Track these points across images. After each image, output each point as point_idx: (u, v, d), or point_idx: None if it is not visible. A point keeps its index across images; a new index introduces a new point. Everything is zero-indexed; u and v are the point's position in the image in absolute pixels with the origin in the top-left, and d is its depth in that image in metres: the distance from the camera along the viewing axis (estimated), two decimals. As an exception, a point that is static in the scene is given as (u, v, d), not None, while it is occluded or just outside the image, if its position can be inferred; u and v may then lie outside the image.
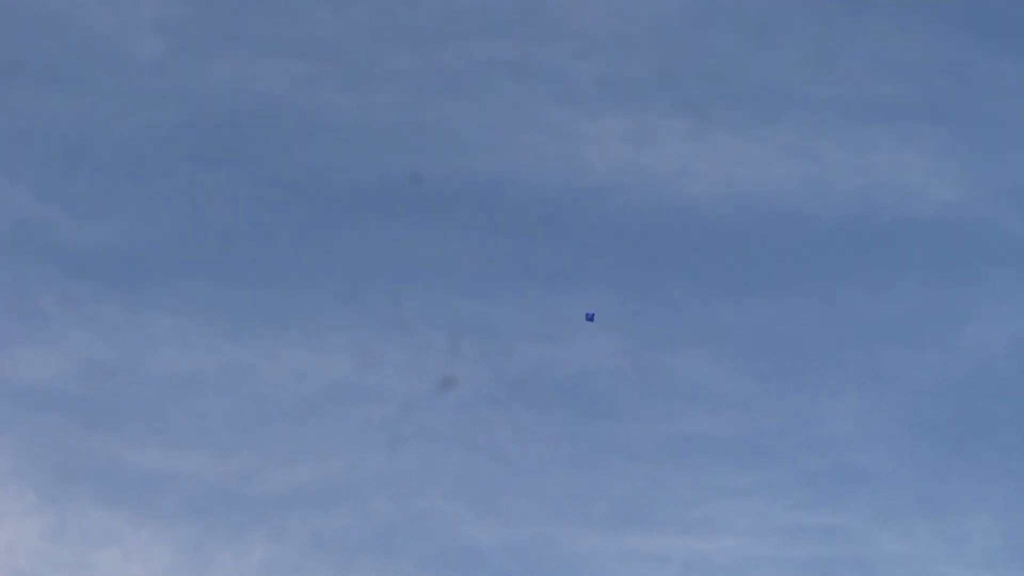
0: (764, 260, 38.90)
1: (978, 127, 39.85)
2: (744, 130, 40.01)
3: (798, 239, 38.98)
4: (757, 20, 40.96)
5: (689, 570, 33.82)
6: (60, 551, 33.38)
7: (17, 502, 33.99)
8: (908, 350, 37.38)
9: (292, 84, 40.00)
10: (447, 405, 35.36)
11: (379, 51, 40.34)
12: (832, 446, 36.01)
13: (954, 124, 39.81)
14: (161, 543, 33.70)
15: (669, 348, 37.39)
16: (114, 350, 36.53)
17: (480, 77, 40.23)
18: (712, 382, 36.94)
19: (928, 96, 40.19)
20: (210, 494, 34.29)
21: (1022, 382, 36.86)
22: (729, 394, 36.85)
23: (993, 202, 39.07)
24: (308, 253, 37.92)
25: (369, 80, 40.05)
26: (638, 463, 35.43)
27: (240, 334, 36.96)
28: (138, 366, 36.29)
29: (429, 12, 40.95)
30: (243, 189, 38.82)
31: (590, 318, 33.02)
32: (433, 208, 38.74)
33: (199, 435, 35.22)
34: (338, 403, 35.98)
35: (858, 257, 38.77)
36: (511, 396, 36.00)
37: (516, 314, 37.35)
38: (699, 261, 38.70)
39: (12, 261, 37.24)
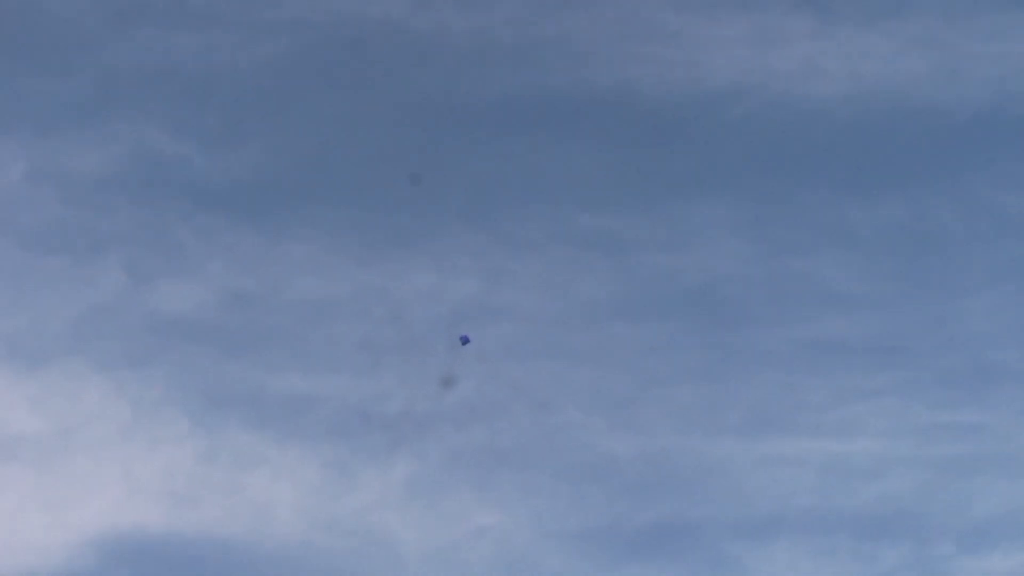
0: (895, 158, 38.19)
1: None
2: (869, 23, 39.03)
3: (930, 134, 38.10)
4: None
5: (826, 472, 33.65)
6: (213, 473, 34.19)
7: (170, 428, 34.86)
8: None
9: (410, 7, 39.76)
10: (578, 320, 35.46)
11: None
12: (972, 344, 35.62)
13: None
14: (307, 463, 34.27)
15: (799, 252, 37.00)
16: (251, 280, 37.07)
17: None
18: (845, 284, 36.52)
19: None
20: (352, 416, 34.78)
21: None
22: (863, 296, 36.49)
23: None
24: (433, 175, 37.81)
25: (485, -1, 39.87)
26: (771, 369, 35.40)
27: (371, 259, 37.15)
28: (275, 294, 36.80)
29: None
30: (366, 114, 38.79)
31: (465, 341, 32.88)
32: (555, 124, 38.36)
33: (337, 358, 35.57)
34: (468, 322, 35.91)
35: (994, 149, 37.87)
36: (640, 308, 36.00)
37: (642, 225, 37.18)
38: (827, 162, 38.11)
39: (149, 197, 37.77)
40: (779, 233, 37.01)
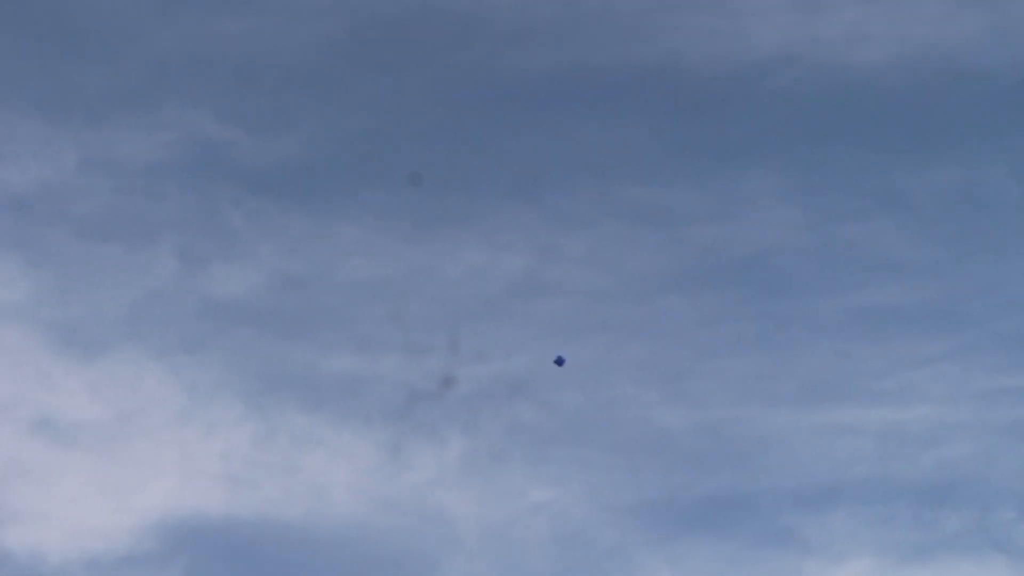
0: (945, 122, 37.58)
1: None
2: None
3: (981, 97, 37.38)
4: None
5: (884, 440, 33.44)
6: (269, 455, 34.26)
7: (226, 412, 34.98)
8: None
9: (451, -14, 39.74)
10: (628, 294, 35.36)
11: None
12: None
13: None
14: (362, 443, 34.33)
15: (850, 219, 36.58)
16: (302, 262, 36.98)
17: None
18: (897, 251, 36.18)
19: None
20: (405, 394, 34.48)
21: None
22: (915, 262, 36.12)
23: None
24: (479, 152, 37.72)
25: (528, -27, 39.57)
26: (825, 337, 35.11)
27: (420, 238, 37.05)
28: (326, 276, 36.70)
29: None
30: (411, 95, 38.65)
31: (560, 363, 32.14)
32: (600, 98, 37.99)
33: (390, 338, 35.37)
34: (520, 298, 36.09)
35: None
36: (692, 280, 35.79)
37: (691, 197, 36.88)
38: (876, 128, 37.55)
39: (199, 183, 37.74)
40: (830, 201, 36.62)
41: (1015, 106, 37.18)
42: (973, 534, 32.16)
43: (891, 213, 36.57)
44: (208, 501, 33.48)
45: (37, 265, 36.16)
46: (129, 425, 34.82)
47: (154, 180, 37.80)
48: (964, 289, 35.39)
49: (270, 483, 33.77)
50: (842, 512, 32.50)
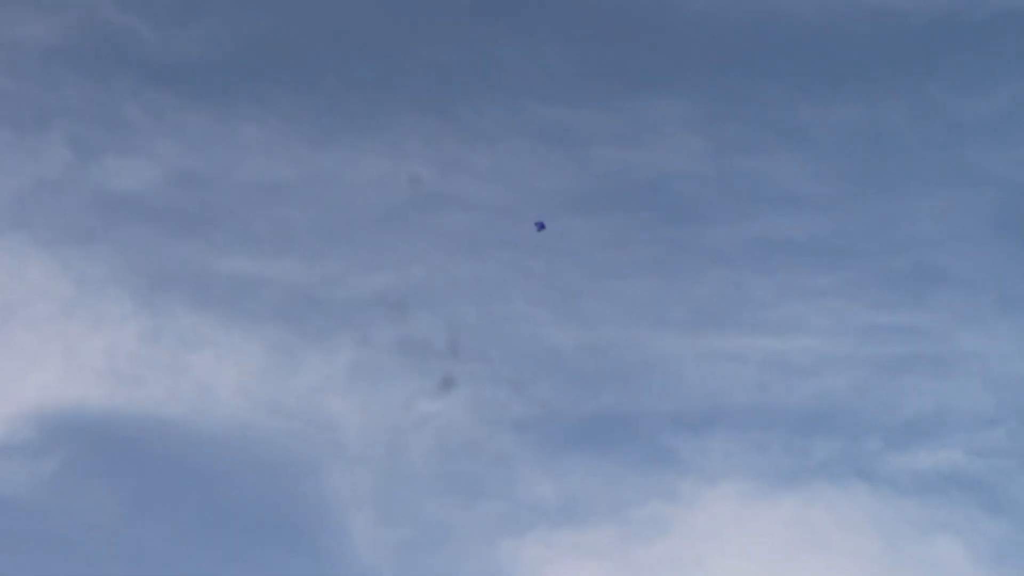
0: (850, 60, 37.81)
1: None
2: None
3: (886, 37, 37.65)
4: None
5: (766, 369, 34.24)
6: (157, 353, 34.34)
7: (114, 307, 34.84)
8: (998, 148, 36.41)
9: None
10: (530, 210, 35.15)
11: None
12: (914, 246, 35.92)
13: None
14: (252, 346, 34.45)
15: (751, 151, 36.97)
16: (201, 160, 36.79)
17: None
18: (794, 184, 36.68)
19: None
20: (297, 299, 34.88)
21: None
22: (811, 196, 36.66)
23: None
24: (388, 61, 37.41)
25: None
26: (718, 266, 35.69)
27: (323, 143, 36.89)
28: (224, 175, 36.58)
29: None
30: None
31: (540, 227, 32.64)
32: (513, 15, 37.74)
33: (285, 242, 35.61)
34: (420, 210, 36.16)
35: (949, 54, 37.52)
36: (593, 202, 36.08)
37: (597, 119, 36.96)
38: (783, 63, 37.80)
39: (97, 71, 37.10)
40: (732, 131, 36.93)
41: (916, 49, 37.49)
42: (840, 463, 33.00)
43: (791, 147, 36.93)
44: (90, 395, 33.54)
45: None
46: (11, 314, 34.67)
47: (49, 65, 37.00)
48: (856, 226, 35.91)
49: (155, 381, 33.94)
50: (719, 436, 33.20)
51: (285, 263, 35.46)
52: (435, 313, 34.83)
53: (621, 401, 33.72)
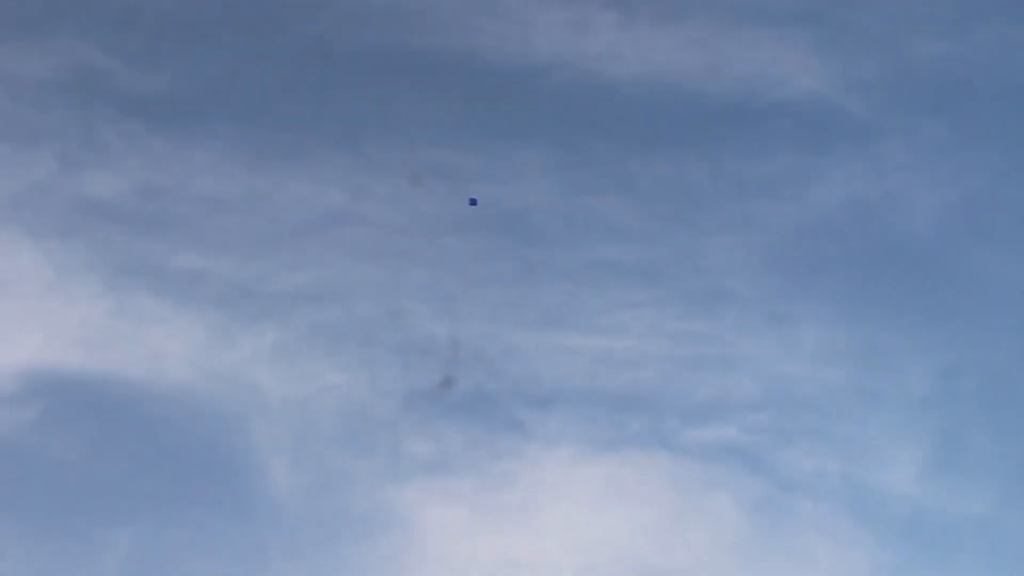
0: (667, 128, 40.32)
1: (840, 34, 40.82)
2: (659, 25, 41.02)
3: (694, 113, 40.41)
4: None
5: (595, 362, 36.43)
6: (120, 327, 36.33)
7: (87, 289, 36.86)
8: (771, 203, 39.24)
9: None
10: (419, 228, 37.69)
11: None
12: (707, 273, 38.12)
13: (822, 30, 40.82)
14: (196, 326, 36.54)
15: (591, 193, 39.21)
16: (162, 176, 38.55)
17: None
18: (622, 221, 38.72)
19: (803, 5, 41.05)
20: (234, 290, 36.98)
21: (854, 230, 38.94)
22: (633, 230, 38.57)
23: (845, 92, 40.25)
24: (313, 105, 39.46)
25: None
26: (562, 281, 37.74)
27: (259, 167, 38.78)
28: (180, 189, 38.45)
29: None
30: (265, 51, 39.99)
31: (473, 203, 34.51)
32: (415, 76, 39.91)
33: (227, 244, 37.65)
34: (334, 225, 38.35)
35: (740, 129, 40.24)
36: (470, 225, 37.96)
37: (475, 161, 39.13)
38: (618, 126, 40.09)
39: (80, 103, 38.80)
40: (577, 178, 39.12)
41: (718, 123, 40.15)
42: (648, 435, 35.24)
43: (620, 192, 38.94)
44: (66, 358, 35.26)
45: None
46: (3, 290, 36.30)
47: (42, 95, 38.57)
48: (666, 255, 38.07)
49: (118, 349, 35.65)
50: (558, 411, 35.32)
51: (225, 261, 37.25)
52: (342, 306, 36.74)
53: (485, 381, 35.54)
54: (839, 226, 38.49)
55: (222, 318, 36.18)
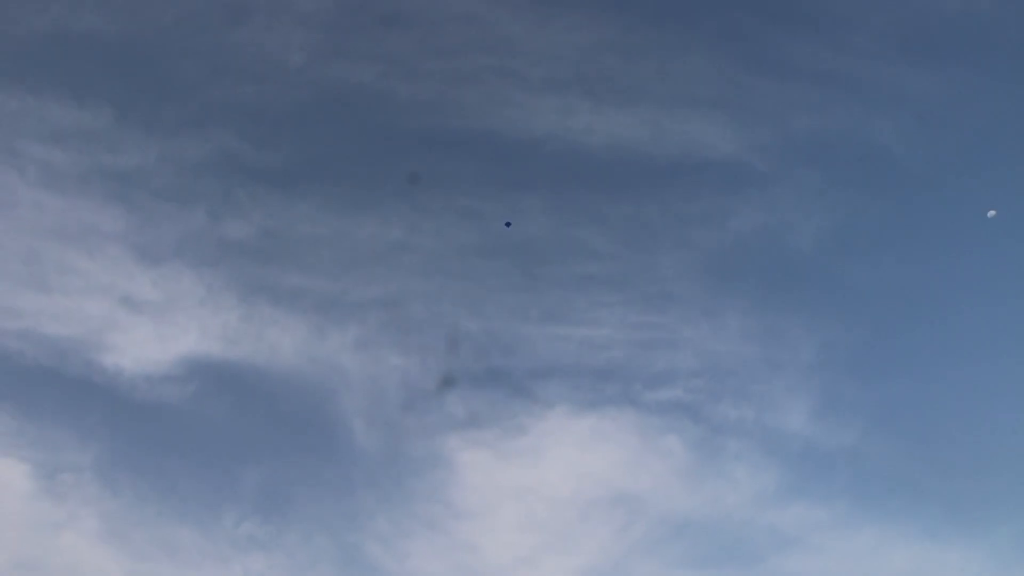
0: (629, 180, 41.26)
1: (745, 113, 42.94)
2: (619, 107, 42.15)
3: (647, 169, 42.17)
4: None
5: (582, 347, 39.72)
6: (249, 328, 38.95)
7: (226, 301, 39.56)
8: (702, 231, 41.90)
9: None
10: (455, 254, 39.37)
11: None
12: (659, 282, 40.75)
13: (733, 111, 42.85)
14: (301, 326, 39.19)
15: (575, 228, 41.15)
16: (276, 222, 40.55)
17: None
18: (599, 246, 41.54)
19: (720, 93, 42.46)
20: (326, 300, 38.95)
21: (759, 249, 41.60)
22: (607, 253, 41.48)
23: (749, 152, 42.53)
24: (381, 168, 40.31)
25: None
26: (557, 289, 40.75)
27: (343, 214, 40.23)
28: (289, 231, 40.38)
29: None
30: (345, 134, 40.71)
31: (508, 225, 36.45)
32: (450, 146, 40.71)
33: (321, 268, 39.71)
34: (395, 253, 39.34)
35: (679, 180, 42.43)
36: (489, 251, 40.40)
37: (494, 205, 40.63)
38: (593, 179, 41.61)
39: (222, 175, 40.68)
40: (566, 216, 41.47)
41: (663, 175, 42.36)
42: (620, 397, 38.66)
43: (595, 227, 41.65)
44: (212, 350, 38.11)
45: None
46: (171, 304, 38.93)
47: (197, 169, 40.48)
48: (630, 270, 41.05)
49: (248, 343, 37.97)
50: (556, 382, 38.79)
51: (320, 280, 38.17)
52: (401, 310, 38.86)
53: (499, 362, 38.84)
54: (749, 246, 41.21)
55: (318, 320, 39.15)
